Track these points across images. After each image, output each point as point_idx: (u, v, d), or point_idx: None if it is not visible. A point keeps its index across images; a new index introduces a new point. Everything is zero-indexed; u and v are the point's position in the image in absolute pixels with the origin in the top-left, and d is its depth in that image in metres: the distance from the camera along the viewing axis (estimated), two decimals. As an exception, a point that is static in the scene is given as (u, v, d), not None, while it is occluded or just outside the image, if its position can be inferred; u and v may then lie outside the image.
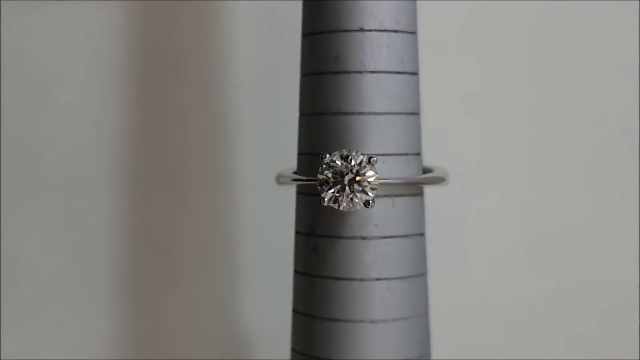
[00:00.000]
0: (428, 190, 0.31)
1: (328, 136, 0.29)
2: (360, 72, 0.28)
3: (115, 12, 0.39)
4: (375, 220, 0.28)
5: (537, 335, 0.42)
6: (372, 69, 0.28)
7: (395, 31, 0.29)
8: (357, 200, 0.27)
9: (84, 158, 0.40)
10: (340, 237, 0.29)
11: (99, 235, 0.40)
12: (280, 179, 0.31)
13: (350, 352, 0.29)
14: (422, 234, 0.30)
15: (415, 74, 0.29)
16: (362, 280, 0.29)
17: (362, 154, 0.27)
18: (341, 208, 0.27)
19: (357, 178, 0.27)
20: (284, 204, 0.33)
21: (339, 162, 0.27)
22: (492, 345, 0.42)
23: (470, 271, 0.42)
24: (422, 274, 0.30)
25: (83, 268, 0.40)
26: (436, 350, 0.33)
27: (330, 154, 0.27)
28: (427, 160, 0.32)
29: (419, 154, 0.30)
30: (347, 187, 0.27)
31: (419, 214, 0.30)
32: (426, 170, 0.30)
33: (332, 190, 0.27)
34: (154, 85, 0.40)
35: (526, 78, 0.42)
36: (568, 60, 0.42)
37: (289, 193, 0.32)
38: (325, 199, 0.27)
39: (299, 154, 0.30)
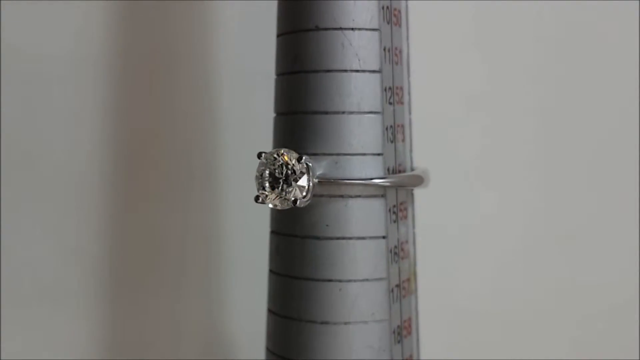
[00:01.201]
0: (427, 191, 0.30)
1: (287, 135, 0.29)
2: (316, 71, 0.28)
3: (114, 13, 0.40)
4: (327, 220, 0.28)
5: (537, 335, 0.42)
6: (326, 68, 0.28)
7: (352, 29, 0.28)
8: (287, 199, 0.27)
9: (82, 158, 0.40)
10: (295, 236, 0.29)
11: (97, 236, 0.40)
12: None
13: (303, 352, 0.29)
14: (382, 237, 0.29)
15: (375, 71, 0.28)
16: (315, 280, 0.28)
17: (291, 153, 0.27)
18: (271, 205, 0.27)
19: (292, 177, 0.27)
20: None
21: (272, 160, 0.27)
22: (492, 345, 0.41)
23: (471, 271, 0.42)
24: (380, 279, 0.29)
25: (83, 268, 0.41)
26: (436, 350, 0.32)
27: (265, 153, 0.28)
28: (426, 161, 0.31)
29: (379, 154, 0.29)
30: (278, 186, 0.27)
31: (379, 216, 0.29)
32: (401, 172, 0.29)
33: (265, 188, 0.27)
34: (151, 86, 0.41)
35: (527, 79, 0.42)
36: (569, 60, 0.42)
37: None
38: (260, 198, 0.27)
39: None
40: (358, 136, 0.28)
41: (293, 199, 0.27)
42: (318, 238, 0.28)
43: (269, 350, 0.30)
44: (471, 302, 0.41)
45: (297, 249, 0.29)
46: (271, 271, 0.30)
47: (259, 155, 0.28)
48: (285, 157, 0.27)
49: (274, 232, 0.30)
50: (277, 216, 0.29)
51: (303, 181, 0.27)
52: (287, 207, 0.27)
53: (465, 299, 0.41)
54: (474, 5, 0.40)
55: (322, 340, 0.28)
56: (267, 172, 0.27)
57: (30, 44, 0.40)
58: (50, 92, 0.40)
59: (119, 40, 0.40)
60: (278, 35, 0.30)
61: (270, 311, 0.30)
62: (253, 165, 0.33)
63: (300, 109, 0.28)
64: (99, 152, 0.40)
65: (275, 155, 0.27)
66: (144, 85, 0.41)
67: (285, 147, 0.28)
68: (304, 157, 0.27)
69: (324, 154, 0.28)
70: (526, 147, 0.41)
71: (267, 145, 0.34)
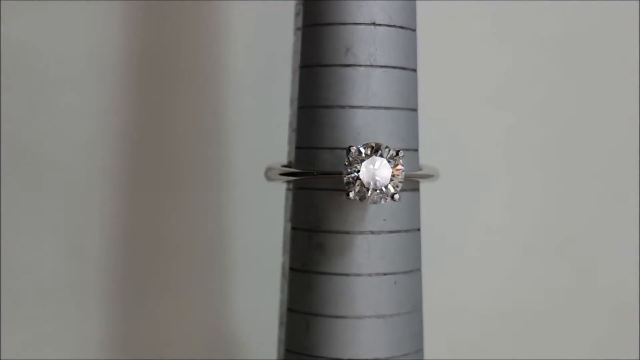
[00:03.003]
0: (430, 187, 0.32)
1: (334, 130, 0.28)
2: (371, 66, 0.28)
3: (115, 12, 0.39)
4: (384, 214, 0.28)
5: (537, 335, 0.43)
6: (382, 64, 0.28)
7: (402, 27, 0.29)
8: (386, 194, 0.27)
9: (83, 158, 0.39)
10: (349, 233, 0.28)
11: (99, 235, 0.40)
12: (269, 173, 0.29)
13: (361, 348, 0.28)
14: (419, 229, 0.30)
15: (415, 70, 0.30)
16: (369, 275, 0.28)
17: (389, 148, 0.27)
18: (368, 202, 0.27)
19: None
20: (274, 202, 0.32)
21: (376, 155, 0.27)
22: (492, 345, 0.43)
23: (471, 271, 0.43)
24: (419, 269, 0.30)
25: (84, 268, 0.40)
26: (436, 350, 0.33)
27: (357, 147, 0.27)
28: (426, 158, 0.32)
29: (417, 150, 0.30)
30: (375, 181, 0.27)
31: (418, 209, 0.30)
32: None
33: (358, 184, 0.27)
34: (153, 85, 0.40)
35: (535, 78, 0.42)
36: (574, 61, 0.43)
37: (280, 191, 0.31)
38: (352, 193, 0.27)
39: (297, 147, 0.29)
40: (409, 132, 0.29)
41: (392, 193, 0.27)
42: (374, 233, 0.28)
43: (293, 352, 0.29)
44: (471, 303, 0.42)
45: (349, 245, 0.28)
46: (307, 271, 0.29)
47: (349, 149, 0.26)
48: (385, 152, 0.26)
49: (315, 231, 0.28)
50: (321, 214, 0.28)
51: (402, 176, 0.27)
52: (380, 203, 0.27)
53: (466, 299, 0.42)
54: (494, 4, 0.41)
55: (377, 334, 0.28)
56: (364, 167, 0.26)
57: (31, 44, 0.39)
58: (51, 91, 0.39)
59: (119, 40, 0.40)
60: (313, 25, 0.28)
61: (308, 314, 0.29)
62: (259, 164, 0.32)
63: (353, 103, 0.28)
64: (101, 152, 0.40)
65: (370, 150, 0.27)
66: (148, 85, 0.40)
67: (340, 142, 0.28)
68: (400, 152, 0.27)
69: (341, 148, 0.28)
70: (529, 148, 0.42)
71: (271, 145, 0.32)
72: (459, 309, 0.42)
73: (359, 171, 0.27)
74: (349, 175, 0.27)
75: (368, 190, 0.27)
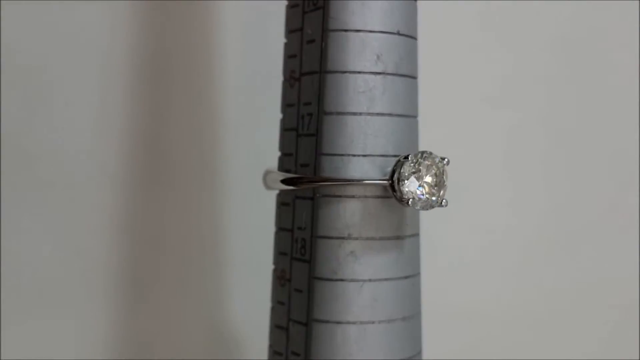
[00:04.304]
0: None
1: (367, 137, 0.28)
2: (396, 74, 0.29)
3: (114, 12, 0.39)
4: (406, 219, 0.29)
5: (537, 337, 0.44)
6: (403, 73, 0.29)
7: (413, 37, 0.30)
8: (434, 200, 0.28)
9: (83, 158, 0.40)
10: (381, 239, 0.28)
11: (98, 235, 0.40)
12: (271, 179, 0.29)
13: (392, 350, 0.29)
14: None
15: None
16: (397, 279, 0.29)
17: (434, 155, 0.28)
18: (420, 208, 0.27)
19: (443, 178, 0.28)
20: (271, 202, 0.31)
21: (427, 162, 0.27)
22: (492, 346, 0.43)
23: (470, 271, 0.43)
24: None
25: (83, 268, 0.40)
26: (436, 350, 0.34)
27: (413, 155, 0.27)
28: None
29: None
30: (429, 187, 0.27)
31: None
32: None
33: (420, 190, 0.27)
34: (151, 86, 0.40)
35: (535, 79, 0.43)
36: (576, 62, 0.43)
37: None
38: (411, 200, 0.27)
39: (323, 154, 0.28)
40: (415, 139, 0.30)
41: (441, 200, 0.27)
42: (399, 238, 0.29)
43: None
44: (471, 303, 0.42)
45: (380, 251, 0.28)
46: (338, 280, 0.28)
47: (405, 158, 0.27)
48: (436, 159, 0.27)
49: (347, 239, 0.28)
50: (353, 222, 0.28)
51: (445, 181, 0.28)
52: (428, 209, 0.27)
53: (464, 299, 0.42)
54: (495, 4, 0.41)
55: (403, 336, 0.29)
56: (425, 175, 0.27)
57: (31, 44, 0.39)
58: (52, 91, 0.39)
59: (118, 39, 0.40)
60: (340, 30, 0.28)
61: (339, 322, 0.28)
62: (257, 164, 0.33)
63: (397, 112, 0.28)
64: (101, 152, 0.40)
65: (423, 158, 0.27)
66: (147, 85, 0.40)
67: (366, 146, 0.28)
68: (446, 158, 0.28)
69: (394, 156, 0.29)
70: (527, 148, 0.42)
71: (272, 145, 0.31)
72: (459, 309, 0.43)
73: (410, 179, 0.27)
74: (402, 183, 0.27)
75: (420, 198, 0.27)
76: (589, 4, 0.43)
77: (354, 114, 0.28)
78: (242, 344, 0.41)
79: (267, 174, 0.31)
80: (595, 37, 0.44)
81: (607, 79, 0.44)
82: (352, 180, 0.28)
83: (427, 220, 0.33)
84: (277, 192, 0.31)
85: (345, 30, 0.28)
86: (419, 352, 0.30)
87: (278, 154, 0.31)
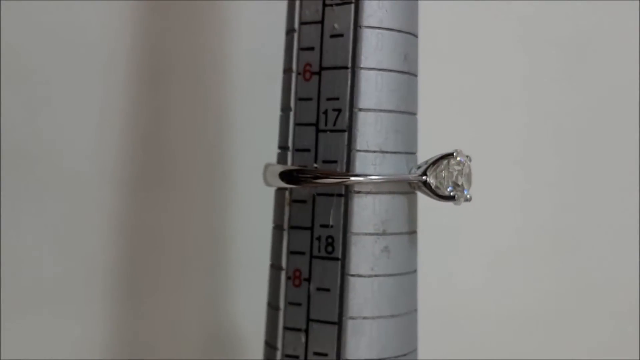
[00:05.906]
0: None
1: (397, 134, 0.29)
2: (414, 75, 0.30)
3: (115, 12, 0.39)
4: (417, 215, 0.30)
5: (538, 338, 0.44)
6: (416, 72, 0.30)
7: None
8: (462, 195, 0.29)
9: (83, 158, 0.39)
10: (408, 233, 0.29)
11: (99, 235, 0.40)
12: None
13: (412, 341, 0.30)
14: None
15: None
16: (414, 272, 0.30)
17: (460, 152, 0.29)
18: (459, 203, 0.29)
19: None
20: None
21: (458, 159, 0.28)
22: (493, 347, 0.43)
23: (467, 271, 0.42)
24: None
25: (83, 268, 0.40)
26: (436, 350, 0.35)
27: (456, 152, 0.28)
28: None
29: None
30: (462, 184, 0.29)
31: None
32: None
33: (459, 187, 0.28)
34: (152, 86, 0.40)
35: (522, 78, 0.43)
36: (562, 60, 0.43)
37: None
38: (461, 198, 0.28)
39: (358, 150, 0.28)
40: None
41: (469, 196, 0.29)
42: (415, 232, 0.30)
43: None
44: (471, 303, 0.42)
45: (407, 245, 0.29)
46: (373, 276, 0.28)
47: (453, 154, 0.28)
48: (465, 157, 0.29)
49: (382, 234, 0.28)
50: (387, 217, 0.28)
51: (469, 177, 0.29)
52: (460, 204, 0.29)
53: (463, 299, 0.42)
54: (504, 4, 0.40)
55: (414, 329, 0.30)
56: (457, 172, 0.28)
57: (31, 44, 0.38)
58: (52, 91, 0.39)
59: (118, 39, 0.39)
60: (369, 27, 0.28)
61: (376, 318, 0.28)
62: (257, 165, 0.32)
63: (412, 110, 0.29)
64: (101, 152, 0.39)
65: (454, 156, 0.28)
66: (149, 84, 0.40)
67: (397, 143, 0.29)
68: (469, 156, 0.29)
69: (411, 153, 0.30)
70: (526, 147, 0.42)
71: (272, 143, 0.30)
72: (459, 310, 0.43)
73: (451, 175, 0.29)
74: (441, 180, 0.28)
75: (460, 194, 0.29)
76: (602, 4, 0.43)
77: (389, 111, 0.29)
78: (242, 344, 0.40)
79: (267, 167, 0.30)
80: (604, 39, 0.44)
81: (617, 81, 0.44)
82: (390, 177, 0.28)
83: (427, 220, 0.33)
84: (276, 189, 0.30)
85: (380, 28, 0.29)
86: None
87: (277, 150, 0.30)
